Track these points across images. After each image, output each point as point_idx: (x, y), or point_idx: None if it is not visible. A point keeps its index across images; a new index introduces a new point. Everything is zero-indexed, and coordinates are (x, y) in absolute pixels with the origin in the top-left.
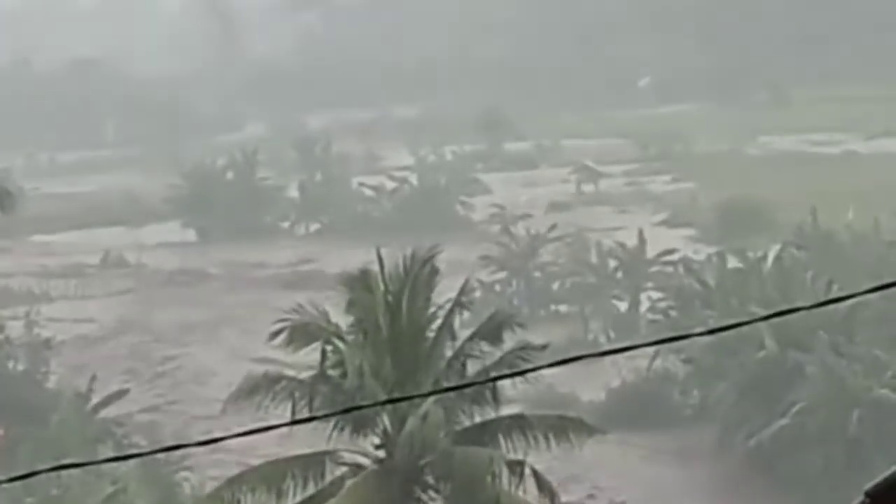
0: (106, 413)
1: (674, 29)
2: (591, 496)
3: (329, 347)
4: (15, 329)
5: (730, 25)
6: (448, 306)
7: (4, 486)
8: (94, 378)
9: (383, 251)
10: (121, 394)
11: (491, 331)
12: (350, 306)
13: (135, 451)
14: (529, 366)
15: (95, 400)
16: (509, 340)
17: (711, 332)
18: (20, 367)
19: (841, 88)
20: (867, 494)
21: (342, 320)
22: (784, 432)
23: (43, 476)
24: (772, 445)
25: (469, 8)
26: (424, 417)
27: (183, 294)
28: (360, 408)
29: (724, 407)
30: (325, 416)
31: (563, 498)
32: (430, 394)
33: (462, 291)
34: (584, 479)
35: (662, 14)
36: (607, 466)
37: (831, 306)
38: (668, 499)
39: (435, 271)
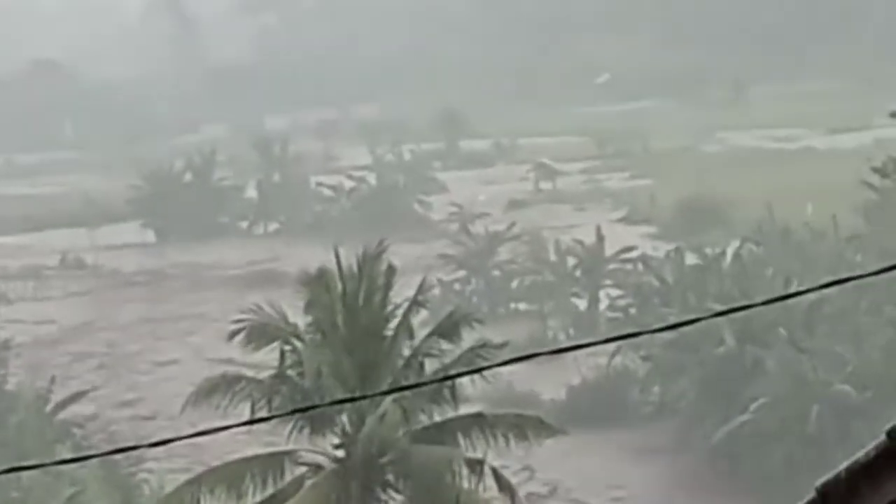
0: (65, 414)
1: (632, 26)
2: (550, 494)
3: (287, 347)
4: None
5: (688, 22)
6: (406, 305)
7: None
8: (53, 379)
9: (342, 250)
10: (79, 395)
11: (449, 329)
12: (308, 306)
13: (94, 452)
14: (489, 364)
15: (54, 401)
16: (468, 339)
17: (671, 327)
18: None
19: (799, 84)
20: (818, 491)
21: (301, 320)
22: (744, 428)
23: (2, 479)
24: (732, 441)
25: (427, 7)
26: (382, 417)
27: (142, 294)
28: (316, 406)
29: (684, 404)
30: (283, 414)
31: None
32: (387, 392)
33: (419, 290)
34: (544, 477)
35: (620, 11)
36: (568, 464)
37: (791, 302)
38: (630, 496)
39: (392, 270)
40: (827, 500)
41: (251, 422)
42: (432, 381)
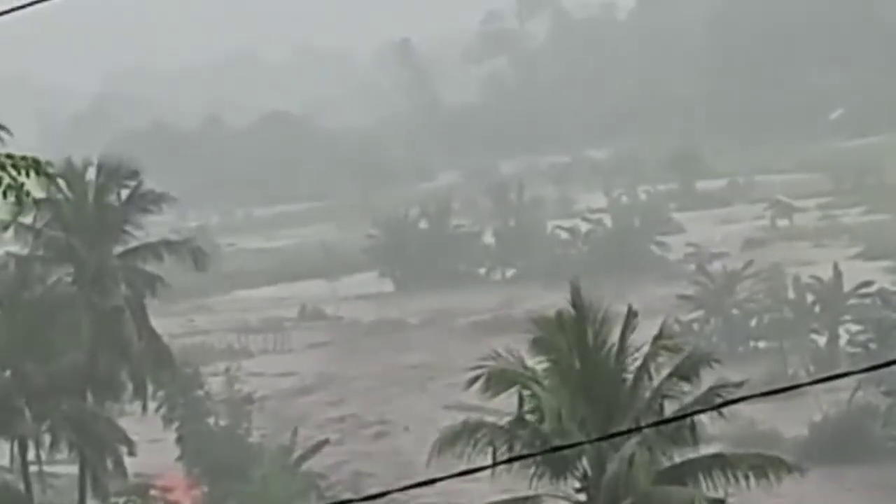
0: (309, 466)
1: (864, 60)
2: None
3: (526, 392)
4: (216, 385)
5: None
6: (646, 348)
7: None
8: (295, 431)
9: (580, 294)
10: (321, 445)
11: (688, 369)
12: (545, 350)
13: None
14: (725, 401)
15: (298, 453)
16: (708, 379)
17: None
18: (222, 423)
19: None
20: None
21: (539, 364)
22: None
23: None
24: None
25: (656, 47)
26: (631, 459)
27: (382, 344)
28: (560, 448)
29: None
30: (525, 456)
31: None
32: (625, 432)
33: (661, 334)
34: None
35: (850, 45)
36: (812, 501)
37: None
38: None
39: (634, 313)
40: None
41: (493, 465)
42: (671, 419)
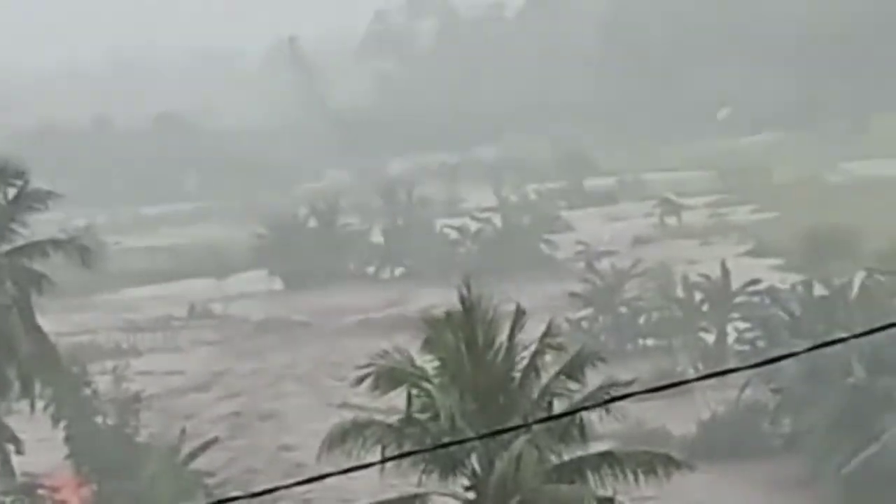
0: (197, 464)
1: (751, 59)
2: None
3: (415, 391)
4: (103, 384)
5: (806, 54)
6: (534, 346)
7: None
8: (184, 430)
9: (468, 292)
10: (210, 443)
11: (577, 368)
12: (435, 348)
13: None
14: (617, 402)
15: (186, 452)
16: (598, 377)
17: (793, 354)
18: (109, 422)
19: None
20: None
21: (428, 363)
22: (875, 460)
23: None
24: (864, 473)
25: (544, 46)
26: (518, 457)
27: (271, 342)
28: (447, 445)
29: (814, 436)
30: (413, 452)
31: None
32: (513, 428)
33: (547, 332)
34: None
35: (738, 45)
36: (701, 499)
37: None
38: None
39: (522, 312)
40: None
41: (383, 461)
42: (558, 416)
